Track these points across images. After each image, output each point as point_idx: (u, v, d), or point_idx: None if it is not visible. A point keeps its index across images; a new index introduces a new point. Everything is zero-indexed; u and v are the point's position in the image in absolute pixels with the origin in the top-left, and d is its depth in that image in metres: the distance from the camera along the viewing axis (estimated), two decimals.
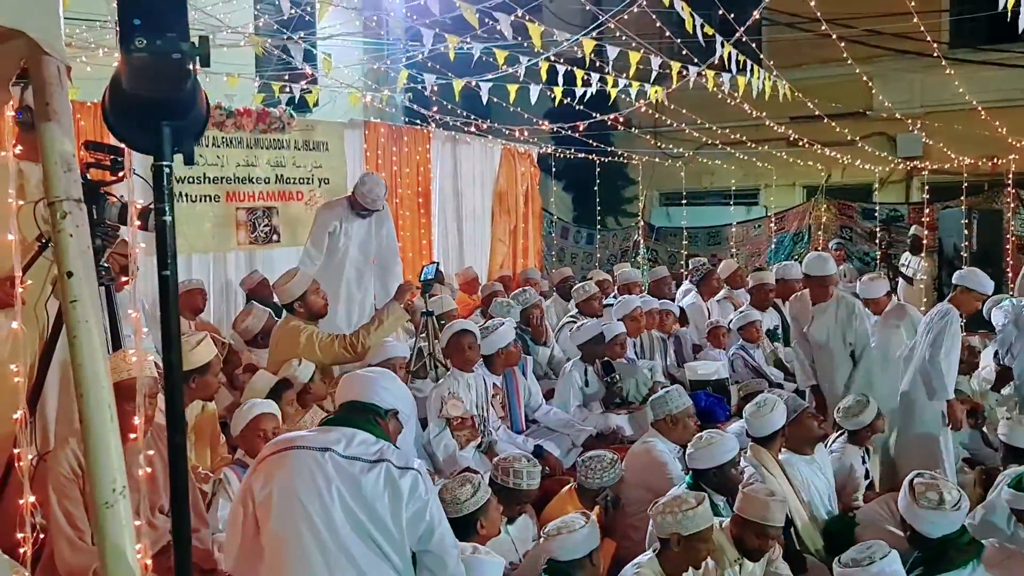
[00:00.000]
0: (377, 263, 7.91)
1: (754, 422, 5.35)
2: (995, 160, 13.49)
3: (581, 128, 11.93)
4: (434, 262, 7.66)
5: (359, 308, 7.69)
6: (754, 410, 5.38)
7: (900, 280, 12.80)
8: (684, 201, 16.01)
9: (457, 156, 12.27)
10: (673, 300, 9.54)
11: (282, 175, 9.38)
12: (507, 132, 12.58)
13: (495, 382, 6.34)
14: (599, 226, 16.62)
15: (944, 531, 4.00)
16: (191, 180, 8.56)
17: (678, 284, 11.68)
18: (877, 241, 14.67)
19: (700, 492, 4.12)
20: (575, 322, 7.71)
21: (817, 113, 12.50)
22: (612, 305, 8.94)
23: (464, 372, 6.07)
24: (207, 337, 5.24)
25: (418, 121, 11.70)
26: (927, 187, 14.45)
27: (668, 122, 13.23)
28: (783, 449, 5.43)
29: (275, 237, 9.30)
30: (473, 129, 12.00)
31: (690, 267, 10.18)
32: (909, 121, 13.46)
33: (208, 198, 8.73)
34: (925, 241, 13.01)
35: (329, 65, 8.74)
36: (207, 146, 8.64)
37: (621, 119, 12.09)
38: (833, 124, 13.10)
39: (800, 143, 13.70)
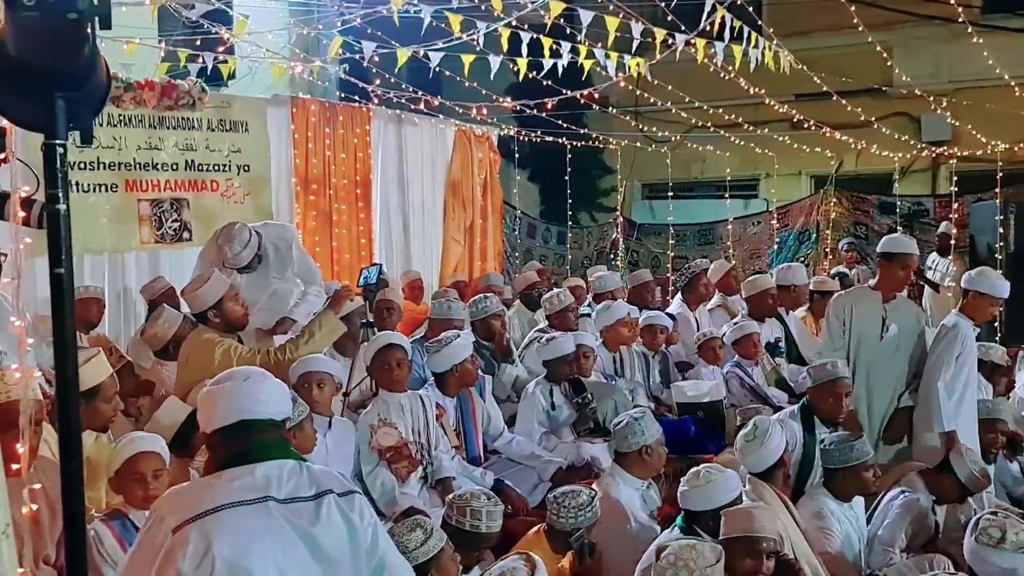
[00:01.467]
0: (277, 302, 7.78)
1: (747, 456, 5.42)
2: None
3: (549, 107, 11.98)
4: (376, 264, 7.65)
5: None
6: (744, 442, 5.44)
7: (925, 287, 12.96)
8: (670, 194, 16.07)
9: (402, 139, 12.29)
10: (653, 308, 9.56)
11: (193, 161, 9.35)
12: (461, 111, 12.60)
13: (438, 401, 6.38)
14: (571, 223, 16.70)
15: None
16: (83, 166, 8.50)
17: (664, 290, 11.71)
18: None
19: (716, 545, 4.18)
20: (544, 336, 7.72)
21: (826, 90, 12.63)
22: (588, 315, 9.00)
23: (394, 393, 6.10)
24: (99, 355, 5.20)
25: (356, 97, 11.69)
26: (956, 177, 14.63)
27: (651, 100, 13.31)
28: (821, 486, 5.53)
29: (185, 235, 9.26)
30: (421, 107, 12.02)
31: (682, 271, 10.18)
32: (934, 99, 13.63)
33: (104, 187, 8.67)
34: (954, 240, 13.16)
35: (244, 26, 8.67)
36: (101, 125, 8.59)
37: (596, 96, 12.16)
38: (845, 103, 13.24)
39: (806, 125, 13.85)
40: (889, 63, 13.39)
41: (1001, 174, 13.60)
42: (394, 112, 12.07)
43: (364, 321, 6.98)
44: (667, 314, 8.94)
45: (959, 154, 14.79)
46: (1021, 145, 13.86)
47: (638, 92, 13.41)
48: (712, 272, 9.73)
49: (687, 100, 13.12)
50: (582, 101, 12.18)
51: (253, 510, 3.02)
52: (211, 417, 3.22)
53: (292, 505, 3.06)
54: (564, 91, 11.35)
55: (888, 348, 6.70)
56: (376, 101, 11.61)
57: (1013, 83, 12.15)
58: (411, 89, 11.45)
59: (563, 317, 8.36)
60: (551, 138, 14.74)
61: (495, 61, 9.38)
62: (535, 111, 12.40)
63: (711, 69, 10.53)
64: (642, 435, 5.57)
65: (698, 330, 8.94)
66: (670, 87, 12.45)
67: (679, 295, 9.75)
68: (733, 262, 11.29)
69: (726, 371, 8.25)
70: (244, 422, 3.17)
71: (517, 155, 15.16)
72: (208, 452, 3.35)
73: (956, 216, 14.01)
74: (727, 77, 10.98)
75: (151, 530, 3.05)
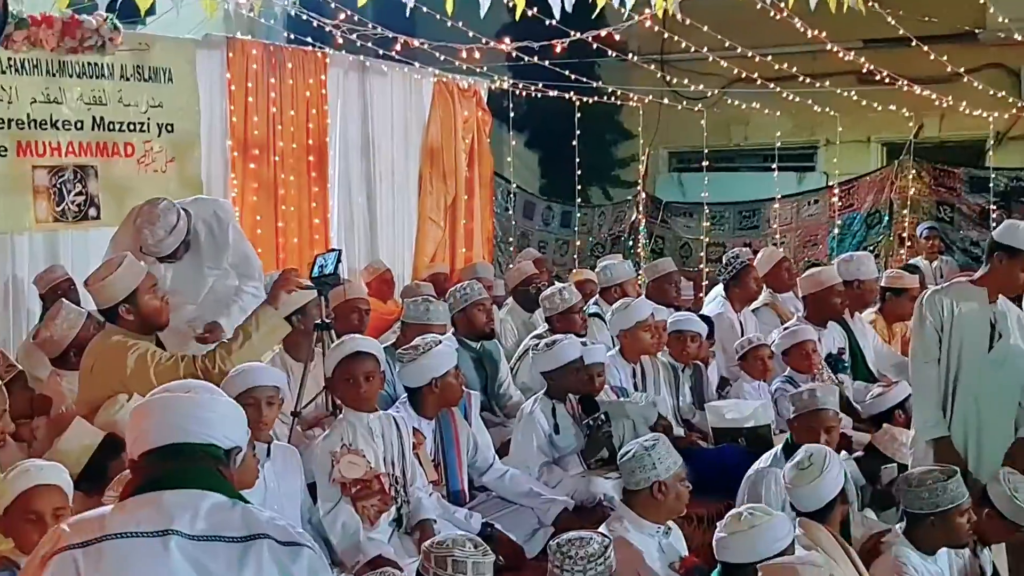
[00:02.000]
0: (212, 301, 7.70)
1: (799, 490, 5.45)
2: None
3: (557, 52, 11.96)
4: (333, 250, 7.59)
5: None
6: (797, 472, 5.46)
7: None
8: (705, 164, 16.08)
9: (367, 92, 12.29)
10: (677, 307, 9.51)
11: (102, 118, 9.33)
12: (443, 58, 12.60)
13: (414, 425, 6.34)
14: (579, 200, 16.67)
15: None
16: None
17: (696, 287, 11.66)
18: (992, 224, 14.81)
19: None
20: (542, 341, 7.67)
21: (903, 35, 12.62)
22: (597, 316, 8.95)
23: (362, 413, 6.05)
24: None
25: (309, 39, 11.67)
26: None
27: (683, 46, 13.31)
28: (900, 534, 5.53)
29: (91, 211, 9.25)
30: (392, 52, 12.00)
31: (723, 261, 10.01)
32: None
33: None
34: None
35: None
36: None
37: (616, 40, 12.14)
38: (927, 51, 13.23)
39: (878, 78, 13.83)
40: (982, 1, 13.37)
41: None
42: (357, 58, 12.06)
43: (320, 322, 6.93)
44: (702, 317, 8.89)
45: None
46: None
47: (665, 35, 13.38)
48: (759, 263, 9.66)
49: (727, 45, 13.11)
50: (595, 46, 12.16)
51: (146, 544, 2.90)
52: (139, 437, 3.11)
53: (207, 544, 2.94)
54: (572, 33, 11.33)
55: (997, 361, 6.65)
56: (335, 44, 11.59)
57: None
58: (379, 29, 11.43)
59: (567, 319, 8.34)
60: (555, 93, 14.71)
61: None
62: (535, 59, 12.38)
63: (758, 6, 10.53)
64: (653, 468, 5.53)
65: (742, 334, 8.88)
66: (706, 28, 12.44)
67: (718, 291, 9.67)
68: (783, 252, 11.23)
69: (775, 389, 8.23)
70: (176, 446, 3.06)
71: (512, 114, 15.14)
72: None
73: None
74: (778, 17, 10.97)
75: (26, 571, 3.02)
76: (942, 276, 12.45)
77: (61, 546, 2.91)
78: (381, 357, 6.22)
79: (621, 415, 7.18)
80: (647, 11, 10.35)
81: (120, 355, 5.89)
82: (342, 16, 10.99)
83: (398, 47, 11.83)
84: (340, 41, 11.57)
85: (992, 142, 15.86)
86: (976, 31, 15.18)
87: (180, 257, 7.39)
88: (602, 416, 7.03)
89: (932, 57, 13.33)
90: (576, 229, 16.64)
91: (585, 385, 7.21)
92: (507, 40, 12.46)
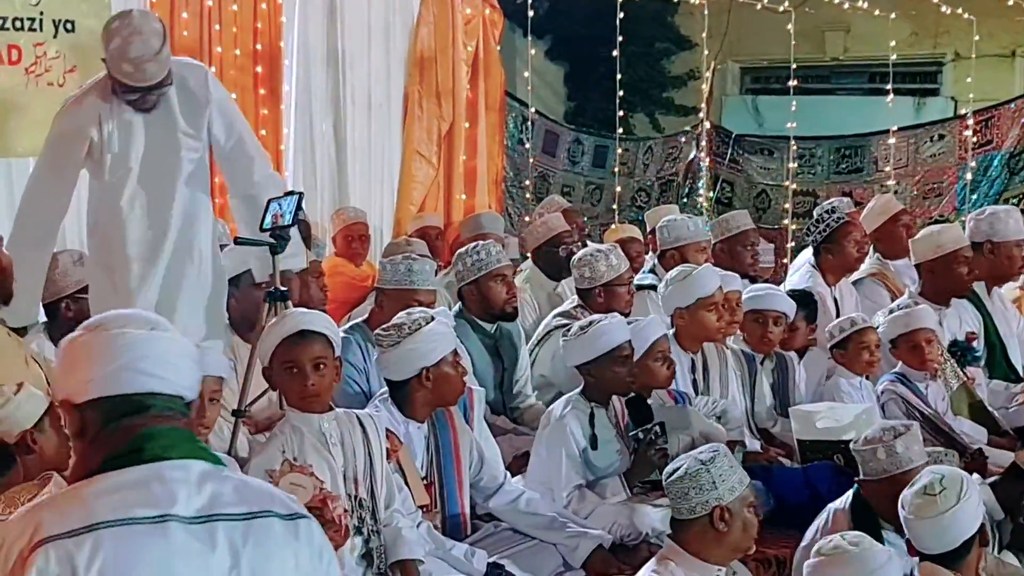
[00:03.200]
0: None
1: (925, 525, 5.42)
2: None
3: None
4: (292, 193, 7.60)
5: (150, 286, 7.42)
6: (923, 501, 5.43)
7: None
8: (792, 84, 16.10)
9: None
10: (753, 277, 9.51)
11: None
12: None
13: (390, 427, 6.29)
14: (619, 131, 16.66)
15: None
16: None
17: (779, 250, 11.69)
18: None
19: None
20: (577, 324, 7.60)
21: None
22: (652, 287, 8.96)
23: (310, 414, 5.97)
24: None
25: None
26: None
27: None
28: None
29: None
30: None
31: (815, 215, 9.94)
32: None
33: None
34: None
35: None
36: None
37: None
38: None
39: None
40: None
41: None
42: None
43: (273, 290, 6.93)
44: (793, 293, 8.88)
45: None
46: None
47: None
48: (867, 216, 9.62)
49: None
50: None
51: (147, 532, 3.03)
52: (84, 380, 3.18)
53: (207, 526, 3.08)
54: None
55: None
56: None
57: None
58: None
59: (612, 294, 8.40)
60: None
61: None
62: None
63: None
64: (712, 489, 5.37)
65: (838, 316, 8.87)
66: None
67: (806, 257, 9.65)
68: (900, 204, 11.23)
69: (882, 389, 8.24)
70: (139, 397, 3.18)
71: (531, 13, 15.12)
72: (65, 445, 3.26)
73: None
74: None
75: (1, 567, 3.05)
76: None
77: (42, 537, 2.98)
78: (335, 337, 6.04)
79: (683, 427, 7.13)
80: None
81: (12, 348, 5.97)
82: None
83: None
84: None
85: None
86: None
87: (152, 108, 7.15)
88: (657, 428, 7.00)
89: None
90: (614, 170, 16.58)
91: (631, 373, 7.12)
92: None
